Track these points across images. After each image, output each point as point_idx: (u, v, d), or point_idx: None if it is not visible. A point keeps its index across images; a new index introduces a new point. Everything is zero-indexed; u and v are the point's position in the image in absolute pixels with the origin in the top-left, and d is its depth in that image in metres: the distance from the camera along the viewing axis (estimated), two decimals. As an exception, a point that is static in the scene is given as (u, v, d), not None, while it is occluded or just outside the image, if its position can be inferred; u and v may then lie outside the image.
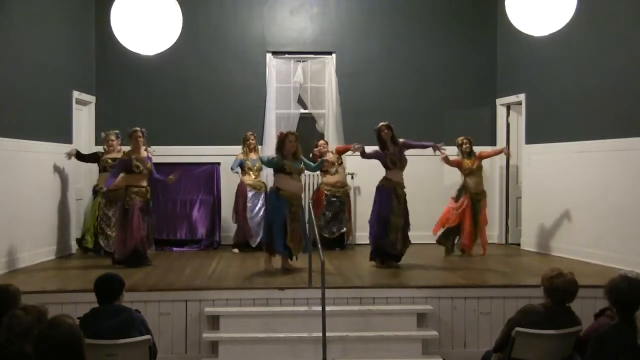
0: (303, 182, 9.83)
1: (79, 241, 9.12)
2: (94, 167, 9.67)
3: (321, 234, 9.14)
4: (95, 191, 9.01)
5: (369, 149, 7.84)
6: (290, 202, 7.34)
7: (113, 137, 8.92)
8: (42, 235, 8.34)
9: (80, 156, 8.98)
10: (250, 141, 9.42)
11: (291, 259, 7.54)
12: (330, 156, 9.40)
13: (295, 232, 7.35)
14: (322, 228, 9.25)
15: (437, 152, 7.96)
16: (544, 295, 4.44)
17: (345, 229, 9.49)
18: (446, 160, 8.62)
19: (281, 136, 7.55)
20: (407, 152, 7.84)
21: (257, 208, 9.32)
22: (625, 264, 7.13)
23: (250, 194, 9.33)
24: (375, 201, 7.80)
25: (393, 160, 7.72)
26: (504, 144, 10.34)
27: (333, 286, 6.46)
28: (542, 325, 4.33)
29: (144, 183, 7.87)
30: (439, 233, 8.95)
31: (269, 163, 7.61)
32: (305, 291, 6.47)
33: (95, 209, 8.86)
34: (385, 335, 6.22)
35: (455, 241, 8.92)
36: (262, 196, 9.31)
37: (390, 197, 7.66)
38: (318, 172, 9.52)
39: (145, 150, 7.96)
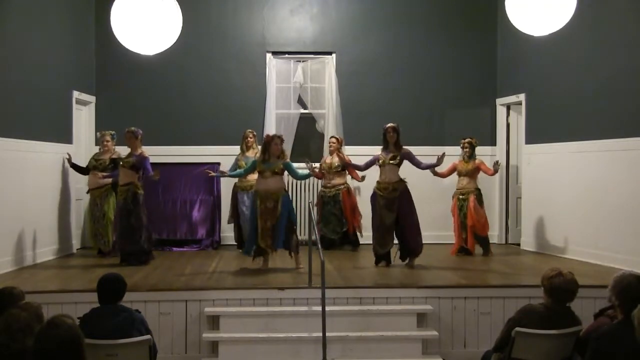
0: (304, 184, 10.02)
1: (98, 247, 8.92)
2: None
3: (325, 235, 9.25)
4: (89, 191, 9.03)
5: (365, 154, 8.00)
6: (262, 200, 7.43)
7: (108, 138, 8.88)
8: (43, 234, 8.33)
9: (73, 165, 8.96)
10: (249, 139, 9.32)
11: (290, 256, 7.63)
12: (335, 159, 9.34)
13: (266, 230, 7.40)
14: (323, 229, 9.31)
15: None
16: (544, 295, 4.44)
17: (345, 227, 9.41)
18: (440, 174, 8.76)
19: (267, 139, 7.66)
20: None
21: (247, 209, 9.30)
22: (625, 264, 7.14)
23: (240, 196, 9.26)
24: None
25: (381, 160, 7.81)
26: (504, 144, 10.37)
27: (333, 286, 6.46)
28: (542, 325, 4.33)
29: (124, 181, 7.97)
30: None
31: (246, 170, 8.07)
32: (305, 291, 6.47)
33: (87, 210, 8.93)
34: (385, 335, 6.22)
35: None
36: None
37: (375, 200, 7.87)
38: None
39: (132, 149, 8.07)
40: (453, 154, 9.05)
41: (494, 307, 6.45)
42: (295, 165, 7.92)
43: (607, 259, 7.83)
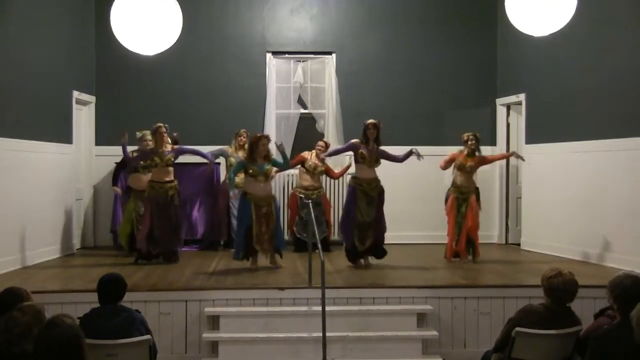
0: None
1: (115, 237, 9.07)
2: (93, 167, 9.69)
3: (301, 238, 9.05)
4: (129, 191, 8.85)
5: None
6: (256, 205, 7.43)
7: (150, 137, 8.46)
8: (43, 234, 8.33)
9: (122, 163, 8.93)
10: (242, 138, 9.34)
11: (281, 256, 7.74)
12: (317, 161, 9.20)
13: (263, 234, 7.43)
14: (301, 232, 9.10)
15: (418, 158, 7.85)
16: (543, 295, 4.44)
17: (326, 232, 9.26)
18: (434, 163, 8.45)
19: (254, 139, 7.64)
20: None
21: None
22: (625, 264, 7.15)
23: (231, 193, 9.29)
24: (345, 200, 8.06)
25: (363, 156, 7.76)
26: (504, 144, 10.35)
27: (333, 286, 6.46)
28: (542, 325, 4.33)
29: (164, 178, 8.01)
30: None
31: (235, 169, 7.78)
32: (305, 291, 6.47)
33: (131, 210, 8.62)
34: (385, 335, 6.23)
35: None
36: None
37: (355, 195, 7.75)
38: (292, 174, 9.64)
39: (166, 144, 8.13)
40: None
41: (494, 307, 6.46)
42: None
43: (607, 259, 7.84)
